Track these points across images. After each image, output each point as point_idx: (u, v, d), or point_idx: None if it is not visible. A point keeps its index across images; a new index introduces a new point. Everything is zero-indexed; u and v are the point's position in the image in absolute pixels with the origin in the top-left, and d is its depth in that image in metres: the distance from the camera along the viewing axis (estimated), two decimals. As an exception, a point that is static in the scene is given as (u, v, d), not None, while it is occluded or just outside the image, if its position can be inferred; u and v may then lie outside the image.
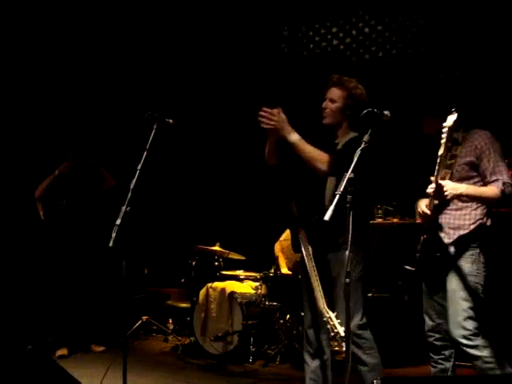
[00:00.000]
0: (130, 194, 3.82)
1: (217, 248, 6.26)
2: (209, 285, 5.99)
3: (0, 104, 6.92)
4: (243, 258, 6.37)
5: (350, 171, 3.21)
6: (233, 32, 7.30)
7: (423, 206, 3.62)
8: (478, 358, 3.44)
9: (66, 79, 7.22)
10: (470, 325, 3.46)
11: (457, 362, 3.79)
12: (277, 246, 6.51)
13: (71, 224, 5.94)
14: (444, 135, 3.29)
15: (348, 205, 3.19)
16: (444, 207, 3.57)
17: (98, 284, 5.97)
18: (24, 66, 7.00)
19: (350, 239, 3.16)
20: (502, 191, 3.42)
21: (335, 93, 3.87)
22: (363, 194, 3.82)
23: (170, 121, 4.15)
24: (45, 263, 6.18)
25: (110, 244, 3.64)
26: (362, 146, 3.35)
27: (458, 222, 3.60)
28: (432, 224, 3.66)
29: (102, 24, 7.12)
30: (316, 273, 3.79)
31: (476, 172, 3.53)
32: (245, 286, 6.08)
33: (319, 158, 3.77)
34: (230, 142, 7.43)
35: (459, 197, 3.42)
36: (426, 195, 3.58)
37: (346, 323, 3.23)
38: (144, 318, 6.59)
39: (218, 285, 5.98)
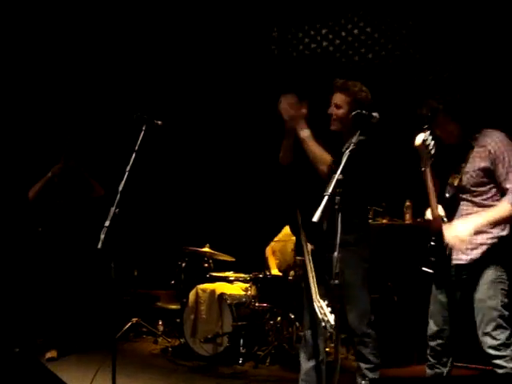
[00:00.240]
0: (118, 196, 3.82)
1: (206, 249, 6.25)
2: (198, 286, 5.98)
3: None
4: (233, 259, 6.37)
5: (338, 172, 3.22)
6: (223, 33, 7.31)
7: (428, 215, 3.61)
8: (503, 368, 3.35)
9: (55, 81, 7.18)
10: (500, 334, 3.38)
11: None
12: (268, 249, 6.52)
13: (61, 226, 5.92)
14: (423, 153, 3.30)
15: (336, 206, 3.20)
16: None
17: (87, 286, 5.95)
18: (15, 68, 6.97)
19: (338, 241, 3.16)
20: None
21: (340, 98, 3.91)
22: (364, 194, 3.85)
23: (159, 122, 4.15)
24: (34, 265, 6.15)
25: (99, 246, 3.64)
26: (351, 147, 3.37)
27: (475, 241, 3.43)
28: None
29: (89, 26, 7.10)
30: (313, 273, 3.81)
31: (490, 178, 3.41)
32: (235, 288, 6.07)
33: (322, 159, 3.80)
34: (220, 143, 7.42)
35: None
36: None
37: (337, 323, 3.24)
38: (134, 319, 6.57)
39: (208, 286, 5.97)
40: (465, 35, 6.21)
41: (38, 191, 5.92)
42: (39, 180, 5.96)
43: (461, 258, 3.49)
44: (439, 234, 3.54)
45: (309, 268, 3.87)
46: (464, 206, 3.49)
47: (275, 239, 6.53)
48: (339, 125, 3.92)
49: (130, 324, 6.51)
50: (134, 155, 3.94)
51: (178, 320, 6.12)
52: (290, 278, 5.85)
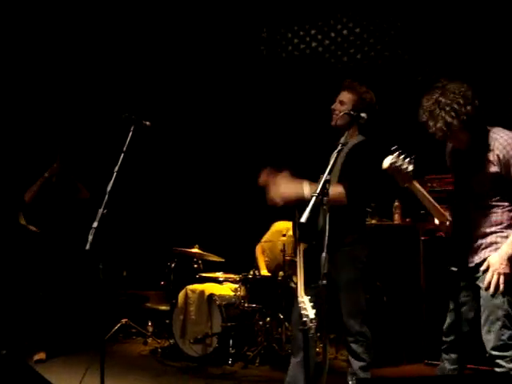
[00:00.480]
0: (106, 197, 3.81)
1: (196, 250, 6.24)
2: (188, 287, 5.97)
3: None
4: (222, 260, 6.36)
5: (326, 173, 3.23)
6: (212, 34, 7.31)
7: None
8: (502, 367, 3.31)
9: (43, 81, 7.16)
10: (504, 335, 3.32)
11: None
12: (258, 248, 6.51)
13: (52, 227, 5.91)
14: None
15: (324, 206, 3.20)
16: None
17: (75, 287, 5.93)
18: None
19: (326, 241, 3.17)
20: None
21: (346, 96, 3.98)
22: (362, 194, 3.86)
23: (147, 123, 4.15)
24: (21, 267, 6.13)
25: (87, 247, 3.63)
26: (339, 147, 3.37)
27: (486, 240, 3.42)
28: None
29: (77, 28, 7.08)
30: (302, 271, 3.83)
31: (500, 183, 3.35)
32: (224, 288, 6.06)
33: (337, 198, 3.72)
34: (208, 144, 7.42)
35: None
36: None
37: (323, 324, 3.24)
38: (123, 320, 6.56)
39: (197, 287, 5.96)
40: (453, 36, 6.25)
41: (36, 192, 5.91)
42: (35, 182, 5.95)
43: (474, 260, 3.45)
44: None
45: (298, 266, 3.88)
46: (475, 210, 3.45)
47: (264, 239, 6.51)
48: (340, 120, 3.94)
49: (119, 325, 6.50)
50: (122, 156, 3.94)
51: (167, 321, 6.11)
52: (279, 278, 5.85)
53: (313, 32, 7.11)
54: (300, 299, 3.54)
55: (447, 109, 3.38)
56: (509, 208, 3.37)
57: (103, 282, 3.86)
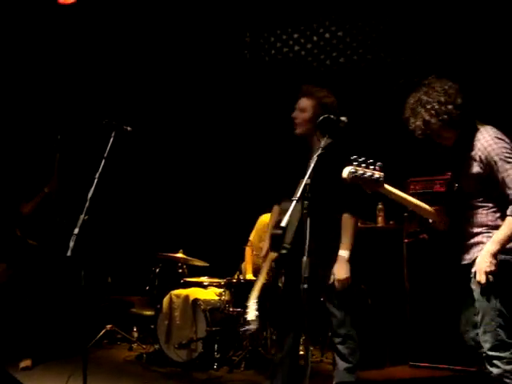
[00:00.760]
0: (87, 203, 3.81)
1: (180, 255, 6.22)
2: (172, 292, 5.95)
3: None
4: (206, 264, 6.34)
5: (306, 177, 3.24)
6: (195, 38, 7.30)
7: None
8: (498, 368, 3.31)
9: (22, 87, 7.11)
10: (501, 334, 3.31)
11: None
12: (247, 251, 6.45)
13: (46, 241, 5.92)
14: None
15: (305, 211, 3.21)
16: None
17: (58, 294, 5.91)
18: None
19: (307, 245, 3.18)
20: None
21: (305, 103, 3.98)
22: (338, 200, 3.86)
23: (128, 128, 4.15)
24: (19, 278, 6.09)
25: (68, 253, 3.62)
26: (319, 151, 3.38)
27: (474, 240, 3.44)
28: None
29: (58, 34, 7.04)
30: (263, 278, 3.91)
31: (484, 183, 3.35)
32: (209, 293, 6.05)
33: (355, 229, 4.00)
34: (192, 149, 7.41)
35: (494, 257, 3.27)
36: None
37: (306, 328, 3.26)
38: (108, 326, 6.53)
39: (182, 292, 5.94)
40: (436, 38, 6.28)
41: (35, 207, 5.94)
42: (32, 193, 5.97)
43: (465, 257, 3.47)
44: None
45: (263, 273, 3.98)
46: (465, 209, 3.46)
47: (251, 236, 6.44)
48: (303, 128, 3.98)
49: (104, 331, 6.47)
50: (103, 162, 3.94)
51: (152, 326, 6.09)
52: (264, 282, 5.83)
53: (295, 36, 7.13)
54: (248, 301, 3.67)
55: (428, 107, 3.42)
56: (493, 209, 3.37)
57: (85, 288, 3.85)
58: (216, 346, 5.68)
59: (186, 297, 5.86)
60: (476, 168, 3.37)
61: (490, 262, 3.26)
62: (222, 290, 5.89)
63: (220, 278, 6.16)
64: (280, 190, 4.16)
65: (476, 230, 3.40)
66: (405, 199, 3.52)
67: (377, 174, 3.29)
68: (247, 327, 3.80)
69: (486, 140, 3.34)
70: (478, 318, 3.39)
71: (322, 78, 6.93)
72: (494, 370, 3.34)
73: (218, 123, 7.19)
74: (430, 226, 3.69)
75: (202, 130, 7.36)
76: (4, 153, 6.81)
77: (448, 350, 5.33)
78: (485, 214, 3.39)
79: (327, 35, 6.96)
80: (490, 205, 3.39)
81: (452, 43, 6.15)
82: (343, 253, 3.88)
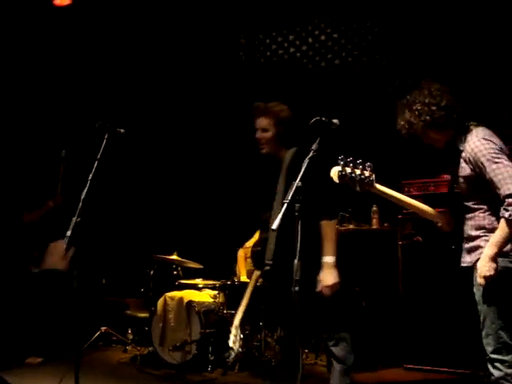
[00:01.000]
0: (80, 205, 3.80)
1: (175, 257, 6.22)
2: (166, 294, 5.94)
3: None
4: (201, 266, 6.34)
5: (297, 180, 3.24)
6: (190, 40, 7.30)
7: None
8: (500, 371, 3.32)
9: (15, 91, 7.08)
10: (503, 337, 3.32)
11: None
12: (240, 253, 6.45)
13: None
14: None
15: (296, 213, 3.21)
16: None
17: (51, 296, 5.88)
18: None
19: (298, 247, 3.19)
20: (506, 220, 3.21)
21: (264, 122, 4.04)
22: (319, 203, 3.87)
23: (122, 130, 4.14)
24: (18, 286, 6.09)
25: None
26: (311, 154, 3.38)
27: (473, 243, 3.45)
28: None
29: (50, 36, 7.02)
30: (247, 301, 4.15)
31: (475, 184, 3.36)
32: (203, 295, 6.04)
33: (334, 233, 3.90)
34: (186, 151, 7.41)
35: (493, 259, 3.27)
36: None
37: (296, 331, 3.26)
38: (103, 328, 6.52)
39: (176, 294, 5.94)
40: (431, 40, 6.28)
41: (37, 219, 6.01)
42: (36, 206, 6.04)
43: (465, 260, 3.49)
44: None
45: (247, 295, 4.02)
46: (464, 212, 3.47)
47: (247, 244, 6.48)
48: (270, 147, 4.05)
49: (98, 333, 6.46)
50: (96, 164, 3.94)
51: (146, 328, 6.09)
52: (258, 284, 5.83)
53: (291, 37, 7.13)
54: (233, 331, 3.70)
55: (412, 108, 3.48)
56: (489, 212, 3.38)
57: (78, 290, 3.84)
58: (210, 348, 5.66)
59: (180, 299, 5.86)
60: (467, 170, 3.38)
61: (490, 266, 3.27)
62: (217, 292, 5.88)
63: (215, 280, 6.16)
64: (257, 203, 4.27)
65: (474, 233, 3.41)
66: (399, 199, 3.53)
67: (367, 174, 3.31)
68: (230, 354, 3.89)
69: (473, 142, 3.35)
70: (481, 321, 3.40)
71: (317, 79, 6.93)
72: (496, 373, 3.35)
73: (212, 126, 7.18)
74: (436, 227, 3.65)
75: (197, 133, 7.36)
76: (8, 161, 6.81)
77: (442, 352, 5.34)
78: (482, 217, 3.39)
79: (322, 37, 6.95)
80: (485, 207, 3.39)
81: (447, 45, 6.15)
82: (328, 259, 3.85)
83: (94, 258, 6.34)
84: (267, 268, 3.91)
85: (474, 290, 3.42)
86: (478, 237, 3.39)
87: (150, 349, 5.99)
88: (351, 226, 5.90)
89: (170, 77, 7.42)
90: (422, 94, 3.49)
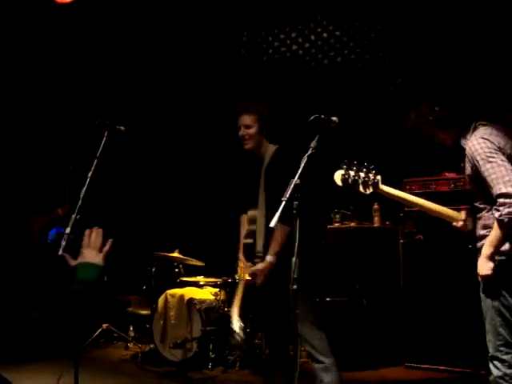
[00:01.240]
0: (80, 202, 3.79)
1: (176, 255, 6.22)
2: (168, 292, 5.95)
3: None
4: (202, 264, 6.33)
5: (296, 177, 3.22)
6: (192, 37, 7.29)
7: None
8: (498, 371, 3.31)
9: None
10: (502, 333, 3.31)
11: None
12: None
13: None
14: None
15: (294, 211, 3.20)
16: None
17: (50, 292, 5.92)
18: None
19: (296, 245, 3.17)
20: (497, 220, 3.20)
21: (248, 118, 4.15)
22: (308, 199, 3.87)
23: (122, 128, 4.13)
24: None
25: (60, 252, 3.62)
26: (309, 152, 3.36)
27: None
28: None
29: (51, 33, 7.01)
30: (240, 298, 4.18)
31: (478, 183, 3.35)
32: (204, 292, 6.04)
33: (285, 237, 3.89)
34: (188, 148, 7.40)
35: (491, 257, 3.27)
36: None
37: (294, 329, 3.25)
38: (104, 325, 6.53)
39: (177, 291, 5.94)
40: (433, 38, 6.26)
41: (45, 223, 6.08)
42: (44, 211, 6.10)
43: (477, 259, 3.44)
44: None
45: (239, 292, 4.19)
46: (475, 211, 3.45)
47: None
48: (253, 143, 4.17)
49: (100, 330, 6.47)
50: (95, 161, 3.93)
51: (147, 325, 6.09)
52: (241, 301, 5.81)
53: (293, 35, 7.11)
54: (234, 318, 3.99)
55: (419, 109, 3.50)
56: (493, 211, 3.34)
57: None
58: (211, 345, 5.66)
59: (181, 296, 5.86)
60: (469, 169, 3.38)
61: (486, 266, 3.27)
62: (218, 289, 5.88)
63: (216, 277, 6.15)
64: (243, 198, 4.39)
65: (482, 232, 3.39)
66: (406, 199, 3.54)
67: (371, 176, 3.33)
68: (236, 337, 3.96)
69: (471, 141, 3.35)
70: (484, 318, 3.41)
71: (320, 77, 6.92)
72: (495, 372, 3.33)
73: (215, 123, 7.17)
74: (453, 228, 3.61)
75: (199, 130, 7.35)
76: (19, 164, 6.84)
77: (443, 351, 5.33)
78: (487, 217, 3.37)
79: (325, 35, 6.93)
80: (489, 206, 3.37)
81: (450, 43, 6.12)
82: (269, 258, 3.96)
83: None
84: (257, 260, 4.05)
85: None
86: (484, 236, 3.36)
87: (151, 346, 5.99)
88: (353, 224, 5.89)
89: (172, 74, 7.41)
90: (427, 94, 3.51)
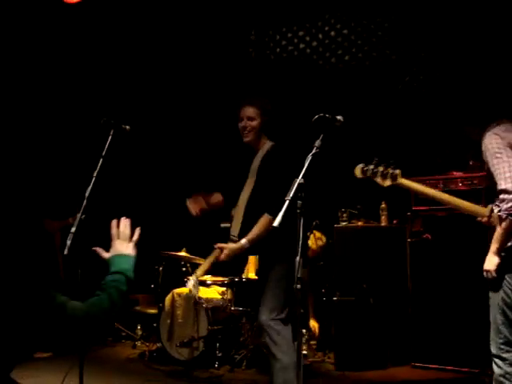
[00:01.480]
0: (85, 202, 3.81)
1: (183, 253, 6.22)
2: (174, 291, 5.95)
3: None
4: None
5: (300, 176, 3.21)
6: (199, 36, 7.29)
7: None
8: (500, 369, 3.35)
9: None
10: (503, 332, 3.36)
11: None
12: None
13: None
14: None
15: (298, 210, 3.19)
16: None
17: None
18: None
19: (300, 245, 3.16)
20: (500, 217, 3.25)
21: (251, 111, 4.16)
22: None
23: (127, 127, 4.14)
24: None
25: (65, 252, 3.63)
26: (314, 151, 3.35)
27: None
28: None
29: (56, 32, 7.02)
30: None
31: (492, 180, 3.40)
32: (211, 291, 6.04)
33: (266, 229, 3.90)
34: (194, 146, 7.40)
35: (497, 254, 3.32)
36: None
37: (297, 327, 3.25)
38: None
39: (184, 290, 5.93)
40: (441, 36, 6.23)
41: (58, 228, 6.19)
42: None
43: None
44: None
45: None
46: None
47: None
48: (253, 136, 4.18)
49: (108, 328, 6.48)
50: (100, 160, 3.94)
51: (155, 324, 6.10)
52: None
53: (301, 33, 7.09)
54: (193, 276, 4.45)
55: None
56: None
57: (82, 286, 3.85)
58: (218, 344, 5.66)
59: (188, 295, 5.85)
60: (486, 163, 3.44)
61: (490, 261, 3.31)
62: (225, 288, 5.87)
63: (223, 276, 6.15)
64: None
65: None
66: (427, 193, 3.61)
67: (390, 169, 3.43)
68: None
69: (486, 136, 3.40)
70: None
71: (327, 75, 6.90)
72: (496, 370, 3.36)
73: (221, 122, 7.16)
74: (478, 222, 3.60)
75: (206, 129, 7.35)
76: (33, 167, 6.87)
77: (451, 350, 5.30)
78: None
79: (332, 33, 6.91)
80: None
81: (458, 40, 6.09)
82: (244, 241, 3.99)
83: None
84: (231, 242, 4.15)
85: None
86: None
87: (158, 345, 6.00)
88: (360, 223, 5.85)
89: (179, 73, 7.40)
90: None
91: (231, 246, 4.06)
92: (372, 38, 6.69)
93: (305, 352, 5.95)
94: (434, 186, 5.48)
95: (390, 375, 5.45)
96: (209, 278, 6.30)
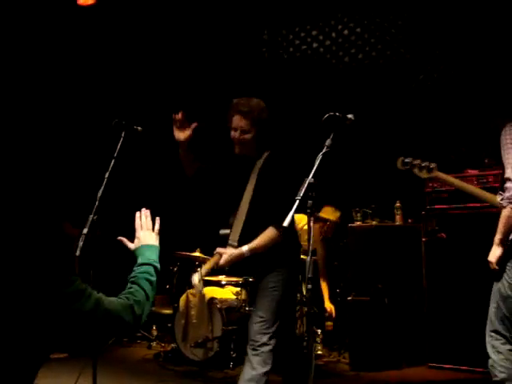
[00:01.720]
0: (97, 203, 3.82)
1: (197, 254, 6.23)
2: (189, 291, 5.95)
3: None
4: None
5: (310, 176, 3.18)
6: (212, 36, 7.29)
7: None
8: (490, 358, 3.47)
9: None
10: (495, 320, 3.48)
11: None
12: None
13: None
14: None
15: (308, 210, 3.17)
16: None
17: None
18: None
19: (310, 244, 3.14)
20: (502, 206, 3.31)
21: (245, 123, 3.85)
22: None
23: (139, 128, 4.16)
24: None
25: (77, 253, 3.65)
26: (324, 150, 3.33)
27: None
28: None
29: (64, 34, 7.05)
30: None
31: None
32: (225, 292, 6.03)
33: (271, 241, 3.73)
34: (207, 147, 7.39)
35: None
36: None
37: (310, 324, 3.23)
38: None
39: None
40: (455, 33, 6.18)
41: (75, 235, 6.19)
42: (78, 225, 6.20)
43: None
44: None
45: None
46: None
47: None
48: (247, 149, 3.92)
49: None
50: (112, 162, 3.96)
51: (169, 325, 6.11)
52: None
53: (314, 33, 7.07)
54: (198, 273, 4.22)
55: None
56: None
57: (94, 288, 3.85)
58: (232, 345, 5.65)
59: (203, 296, 5.85)
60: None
61: (492, 252, 3.42)
62: (239, 288, 5.86)
63: (237, 276, 6.14)
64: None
65: None
66: (462, 186, 3.90)
67: (427, 163, 3.88)
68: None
69: (503, 130, 3.47)
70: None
71: (341, 75, 6.87)
72: (489, 359, 3.50)
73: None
74: None
75: (218, 129, 7.33)
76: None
77: (467, 351, 5.24)
78: None
79: (345, 32, 6.88)
80: None
81: (472, 38, 6.03)
82: (246, 248, 3.74)
83: (117, 255, 6.38)
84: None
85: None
86: None
87: (173, 345, 6.01)
88: (374, 223, 5.83)
89: (192, 74, 7.40)
90: None
91: (231, 251, 3.80)
92: (385, 36, 6.66)
93: (319, 352, 5.94)
94: (449, 185, 5.45)
95: (405, 375, 5.42)
96: (223, 279, 6.30)
